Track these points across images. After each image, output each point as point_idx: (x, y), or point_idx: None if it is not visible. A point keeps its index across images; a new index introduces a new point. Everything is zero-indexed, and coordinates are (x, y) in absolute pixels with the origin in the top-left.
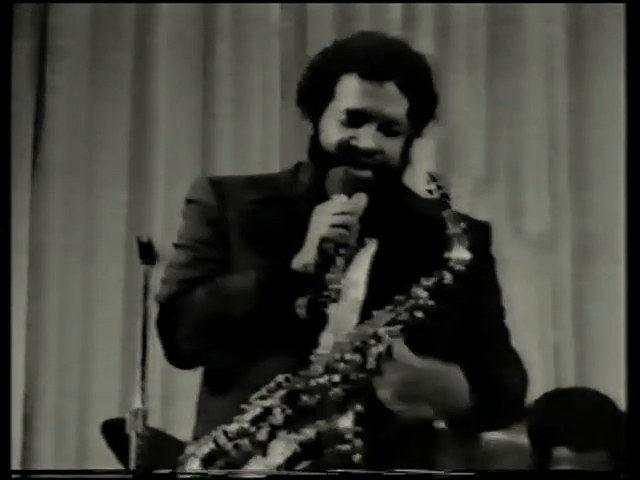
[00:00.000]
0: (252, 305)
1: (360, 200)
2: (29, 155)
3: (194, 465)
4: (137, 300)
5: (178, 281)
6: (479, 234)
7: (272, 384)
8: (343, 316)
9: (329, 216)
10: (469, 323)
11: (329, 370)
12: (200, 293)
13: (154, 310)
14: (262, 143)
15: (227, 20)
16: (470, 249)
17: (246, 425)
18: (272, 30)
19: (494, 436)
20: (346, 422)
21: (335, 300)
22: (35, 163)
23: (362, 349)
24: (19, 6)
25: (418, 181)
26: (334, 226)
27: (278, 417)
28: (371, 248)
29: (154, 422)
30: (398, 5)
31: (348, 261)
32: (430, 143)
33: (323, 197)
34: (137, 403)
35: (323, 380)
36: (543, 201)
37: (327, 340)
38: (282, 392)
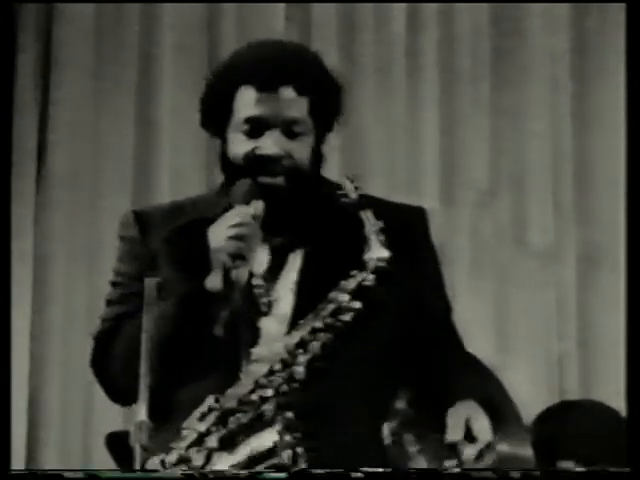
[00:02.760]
0: (172, 328)
1: (256, 208)
2: (33, 166)
3: None
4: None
5: (108, 319)
6: (414, 221)
7: (204, 407)
8: (273, 329)
9: (224, 229)
10: (409, 324)
11: (259, 385)
12: (126, 327)
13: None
14: None
15: (231, 31)
16: (390, 246)
17: (183, 452)
18: None
19: (497, 448)
20: (272, 436)
21: (265, 314)
22: (39, 174)
23: (290, 360)
24: (23, 18)
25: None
26: (230, 238)
27: (213, 440)
28: (297, 258)
29: None
30: (402, 15)
31: (275, 273)
32: (434, 154)
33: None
34: (141, 415)
35: (254, 396)
36: (547, 212)
37: (259, 355)
38: (213, 414)
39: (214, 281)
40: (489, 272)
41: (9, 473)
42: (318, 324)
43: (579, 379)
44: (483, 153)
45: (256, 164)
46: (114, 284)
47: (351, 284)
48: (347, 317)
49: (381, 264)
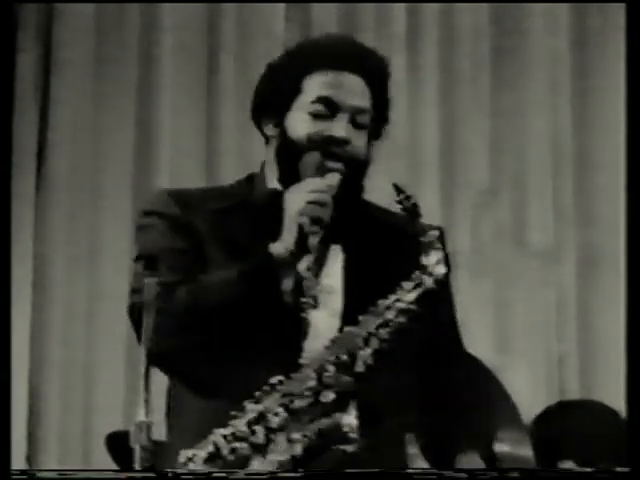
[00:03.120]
0: (237, 295)
1: (333, 179)
2: (33, 167)
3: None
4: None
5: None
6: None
7: (266, 387)
8: (324, 322)
9: (304, 193)
10: (426, 337)
11: (319, 374)
12: (181, 291)
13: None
14: (266, 155)
15: (231, 33)
16: (445, 257)
17: (243, 428)
18: (276, 43)
19: (497, 449)
20: (349, 419)
21: (314, 307)
22: (39, 175)
23: (352, 353)
24: (23, 18)
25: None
26: (309, 202)
27: (274, 420)
28: (338, 254)
29: (159, 435)
30: (403, 17)
31: (319, 266)
32: (433, 154)
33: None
34: (141, 416)
35: (314, 383)
36: (547, 213)
37: (311, 346)
38: (276, 395)
39: (285, 244)
40: (489, 272)
41: (9, 473)
42: (383, 321)
43: (579, 379)
44: (483, 153)
45: (323, 145)
46: (152, 260)
47: (412, 285)
48: (404, 318)
49: (439, 270)
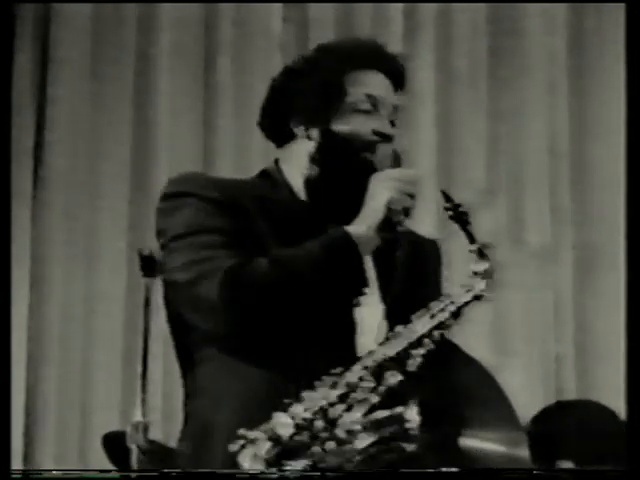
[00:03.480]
0: (323, 270)
1: (416, 174)
2: (30, 167)
3: (263, 449)
4: (138, 313)
5: (224, 257)
6: (431, 254)
7: (327, 377)
8: (371, 321)
9: (395, 182)
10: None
11: (374, 371)
12: (260, 264)
13: (154, 322)
14: (263, 156)
15: (229, 33)
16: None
17: (305, 415)
18: (274, 43)
19: (493, 449)
20: (412, 414)
21: (358, 304)
22: (36, 175)
23: (406, 352)
24: (21, 18)
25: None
26: (404, 194)
27: (338, 409)
28: (368, 259)
29: (155, 435)
30: (400, 17)
31: None
32: (431, 155)
33: (329, 194)
34: (138, 416)
35: (371, 378)
36: (544, 213)
37: (363, 343)
38: (337, 386)
39: (366, 227)
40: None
41: (9, 473)
42: (435, 323)
43: (576, 380)
44: (480, 153)
45: (374, 142)
46: (197, 233)
47: (464, 290)
48: (458, 320)
49: (488, 276)
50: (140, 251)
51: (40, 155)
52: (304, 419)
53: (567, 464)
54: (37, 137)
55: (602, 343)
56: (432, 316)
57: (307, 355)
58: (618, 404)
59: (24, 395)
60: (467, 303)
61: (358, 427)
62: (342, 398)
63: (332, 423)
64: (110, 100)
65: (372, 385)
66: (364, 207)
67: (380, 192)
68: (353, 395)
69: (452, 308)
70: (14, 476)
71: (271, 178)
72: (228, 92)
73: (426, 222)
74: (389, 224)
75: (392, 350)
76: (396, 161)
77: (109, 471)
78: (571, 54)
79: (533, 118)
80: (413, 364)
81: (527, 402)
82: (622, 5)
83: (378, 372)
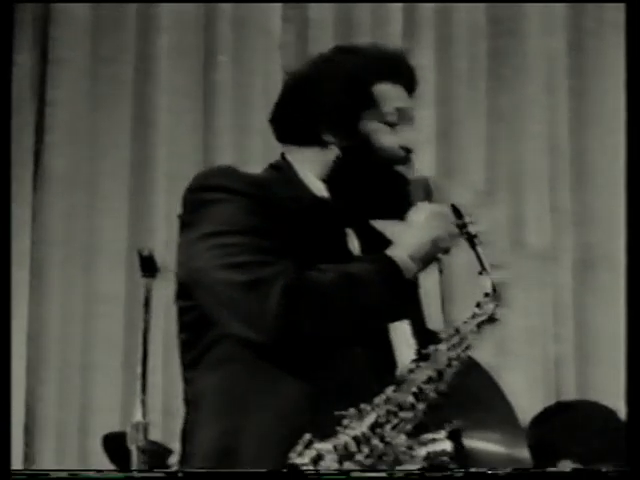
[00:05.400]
0: (381, 294)
1: (450, 213)
2: (30, 168)
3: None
4: (138, 313)
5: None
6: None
7: (382, 395)
8: (403, 339)
9: (444, 221)
10: None
11: (416, 390)
12: (328, 275)
13: (154, 323)
14: (263, 155)
15: (228, 32)
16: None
17: (349, 439)
18: (273, 43)
19: (493, 449)
20: (444, 444)
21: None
22: (36, 176)
23: (440, 371)
24: (20, 19)
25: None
26: (448, 232)
27: (386, 429)
28: None
29: (155, 435)
30: (399, 17)
31: None
32: (431, 155)
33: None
34: (138, 416)
35: (410, 399)
36: (544, 213)
37: (399, 360)
38: (388, 404)
39: (408, 254)
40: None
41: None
42: (467, 343)
43: (576, 381)
44: (480, 154)
45: (403, 156)
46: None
47: (489, 297)
48: (479, 330)
49: (500, 286)
50: (140, 251)
51: (40, 155)
52: (364, 434)
53: (567, 464)
54: (37, 137)
55: (602, 343)
56: (463, 337)
57: (351, 370)
58: (618, 404)
59: (24, 395)
60: (483, 322)
61: (406, 449)
62: (393, 416)
63: (385, 442)
64: (110, 100)
65: (415, 404)
66: (406, 234)
67: (430, 227)
68: (401, 414)
69: (476, 320)
70: (14, 476)
71: (283, 173)
72: (228, 92)
73: None
74: (431, 259)
75: (432, 370)
76: (428, 192)
77: (109, 471)
78: (571, 54)
79: (533, 118)
80: (445, 383)
81: (527, 402)
82: (622, 5)
83: (420, 391)
